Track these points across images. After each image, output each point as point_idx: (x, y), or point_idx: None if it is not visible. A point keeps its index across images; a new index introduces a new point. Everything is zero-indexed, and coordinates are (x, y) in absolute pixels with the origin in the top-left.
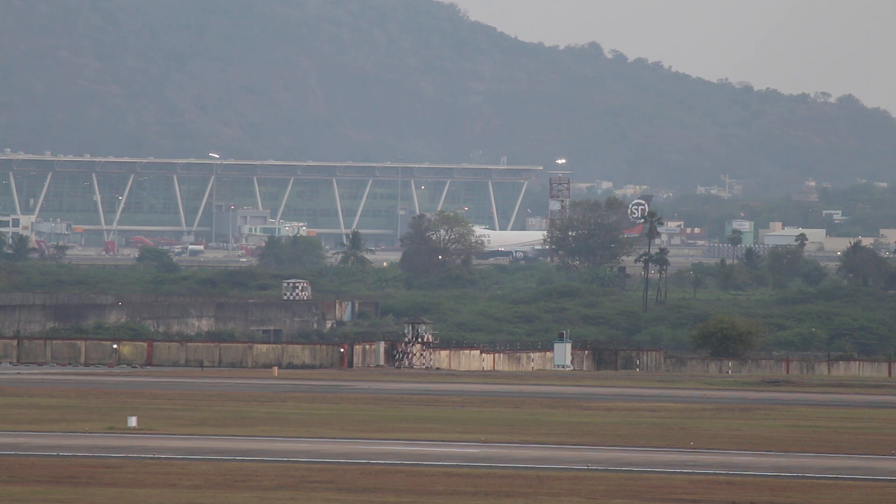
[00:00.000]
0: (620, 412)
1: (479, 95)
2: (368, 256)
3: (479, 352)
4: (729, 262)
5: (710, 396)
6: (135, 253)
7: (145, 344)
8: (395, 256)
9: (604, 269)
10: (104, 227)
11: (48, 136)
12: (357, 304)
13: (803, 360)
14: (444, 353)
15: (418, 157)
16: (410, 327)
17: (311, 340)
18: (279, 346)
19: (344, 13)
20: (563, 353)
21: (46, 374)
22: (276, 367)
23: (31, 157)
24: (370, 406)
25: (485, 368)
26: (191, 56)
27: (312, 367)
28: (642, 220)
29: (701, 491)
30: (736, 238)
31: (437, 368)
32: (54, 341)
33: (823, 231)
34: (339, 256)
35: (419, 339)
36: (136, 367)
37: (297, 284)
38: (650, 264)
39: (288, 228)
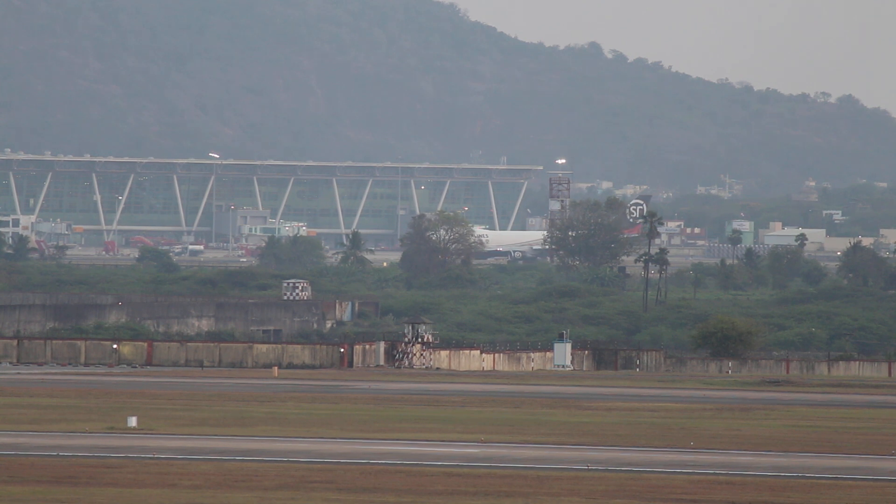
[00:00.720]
0: (620, 412)
1: (479, 95)
2: (368, 256)
3: (479, 352)
4: (729, 262)
5: (710, 396)
6: (135, 253)
7: (145, 344)
8: (395, 256)
9: (604, 269)
10: (104, 227)
11: (48, 136)
12: (357, 304)
13: (803, 360)
14: (444, 353)
15: (418, 157)
16: (410, 327)
17: (311, 340)
18: (279, 346)
19: (344, 13)
20: (563, 353)
21: (46, 374)
22: (276, 367)
23: (31, 157)
24: (370, 406)
25: (485, 368)
26: (191, 56)
27: (312, 367)
28: (641, 220)
29: (701, 491)
30: (736, 238)
31: (437, 368)
32: (54, 341)
33: (823, 231)
34: (339, 256)
35: (419, 339)
36: (136, 367)
37: (297, 284)
38: (650, 264)
39: (288, 228)
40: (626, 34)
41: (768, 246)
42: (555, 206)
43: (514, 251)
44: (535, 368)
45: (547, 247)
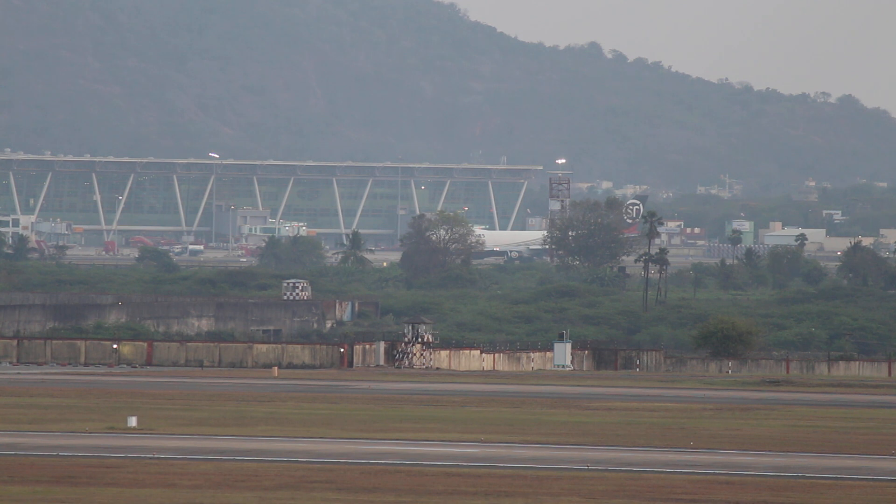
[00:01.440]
0: (620, 412)
1: (478, 95)
2: (368, 256)
3: (479, 352)
4: (729, 262)
5: (710, 396)
6: (135, 253)
7: (145, 344)
8: (395, 256)
9: (604, 269)
10: (104, 227)
11: (48, 136)
12: (357, 304)
13: (803, 360)
14: (444, 353)
15: (418, 156)
16: (410, 327)
17: (311, 340)
18: (279, 346)
19: (344, 13)
20: (563, 353)
21: (46, 373)
22: (276, 367)
23: (31, 157)
24: (370, 406)
25: (485, 368)
26: (191, 56)
27: (312, 367)
28: (637, 220)
29: (701, 491)
30: (736, 238)
31: (437, 368)
32: (54, 341)
33: (823, 231)
34: (339, 256)
35: (419, 339)
36: (136, 367)
37: (297, 284)
38: (650, 264)
39: (288, 228)
40: (626, 34)
41: (768, 246)
42: (555, 206)
43: (511, 251)
44: (535, 368)
45: (544, 247)
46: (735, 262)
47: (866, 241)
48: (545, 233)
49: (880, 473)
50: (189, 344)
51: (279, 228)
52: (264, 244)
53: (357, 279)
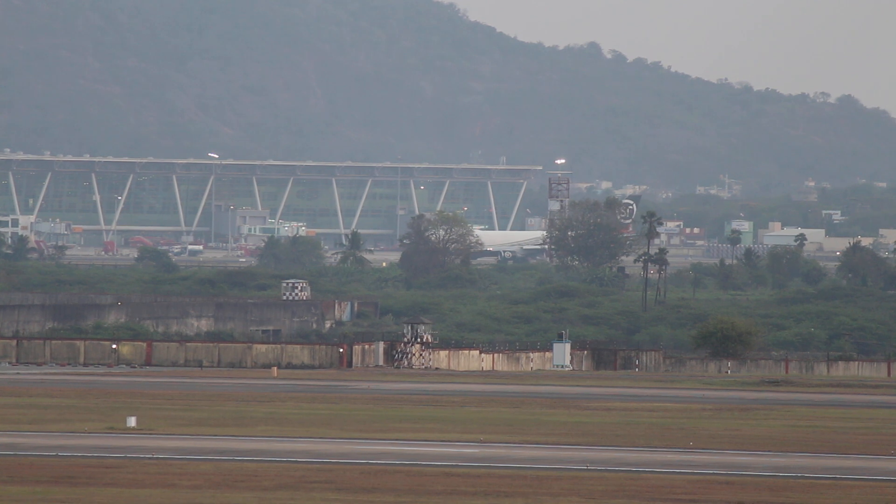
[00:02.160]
0: (619, 412)
1: (478, 95)
2: (368, 256)
3: (478, 352)
4: (728, 262)
5: (709, 396)
6: (134, 253)
7: (144, 344)
8: (395, 256)
9: (603, 269)
10: (103, 227)
11: (47, 136)
12: (356, 305)
13: (802, 360)
14: (443, 353)
15: (418, 157)
16: (410, 327)
17: (311, 340)
18: (278, 346)
19: (344, 13)
20: (562, 354)
21: (46, 374)
22: (275, 368)
23: (30, 157)
24: (369, 406)
25: (484, 368)
26: (190, 56)
27: (312, 367)
28: (631, 220)
29: (700, 491)
30: (735, 238)
31: (437, 368)
32: (53, 341)
33: (823, 231)
34: (339, 256)
35: (418, 340)
36: (135, 367)
37: (296, 284)
38: (649, 264)
39: (287, 228)
40: (625, 34)
41: (767, 246)
42: (554, 206)
43: (504, 251)
44: (534, 368)
45: (537, 246)
46: (734, 262)
47: (866, 242)
48: (538, 233)
49: (879, 473)
50: (188, 344)
51: (278, 228)
52: (264, 244)
53: (356, 279)
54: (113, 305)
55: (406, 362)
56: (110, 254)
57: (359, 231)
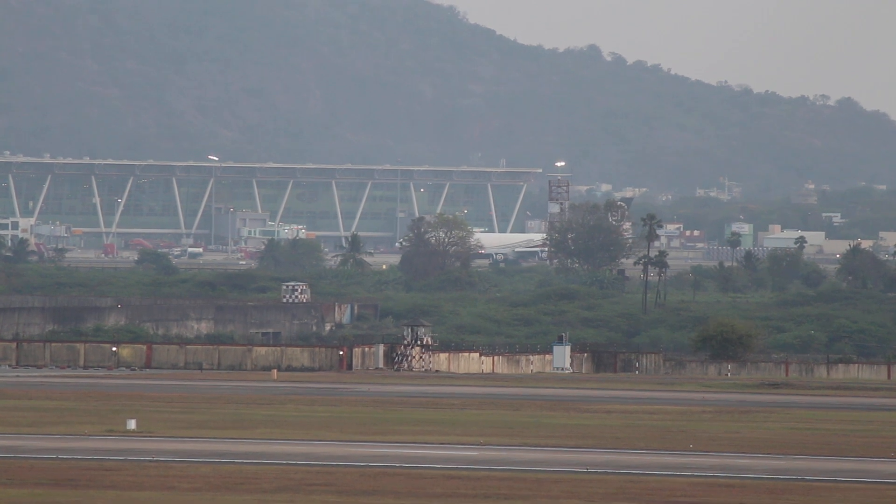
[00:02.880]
0: (620, 415)
1: (478, 98)
2: (368, 259)
3: (478, 354)
4: (728, 264)
5: (709, 399)
6: (134, 255)
7: (144, 346)
8: (395, 259)
9: (603, 272)
10: (103, 230)
11: (47, 139)
12: (356, 307)
13: (803, 363)
14: (443, 355)
15: (417, 159)
16: (410, 330)
17: (311, 343)
18: (278, 348)
19: (343, 15)
20: (562, 356)
21: (45, 376)
22: (275, 370)
23: (30, 159)
24: (369, 409)
25: (484, 371)
26: (190, 58)
27: (312, 369)
28: (622, 222)
29: (700, 493)
30: (735, 240)
31: (437, 371)
32: (53, 344)
33: (823, 234)
34: (339, 259)
35: (418, 342)
36: (135, 370)
37: (296, 287)
38: (649, 267)
39: (287, 231)
40: (625, 36)
41: (767, 248)
42: (554, 208)
43: (496, 254)
44: (534, 371)
45: (528, 249)
46: (734, 264)
47: (865, 244)
48: (538, 235)
49: (880, 476)
50: (188, 346)
51: (278, 231)
52: (263, 247)
53: (356, 282)
54: (113, 308)
55: (406, 365)
56: (110, 256)
57: (359, 233)
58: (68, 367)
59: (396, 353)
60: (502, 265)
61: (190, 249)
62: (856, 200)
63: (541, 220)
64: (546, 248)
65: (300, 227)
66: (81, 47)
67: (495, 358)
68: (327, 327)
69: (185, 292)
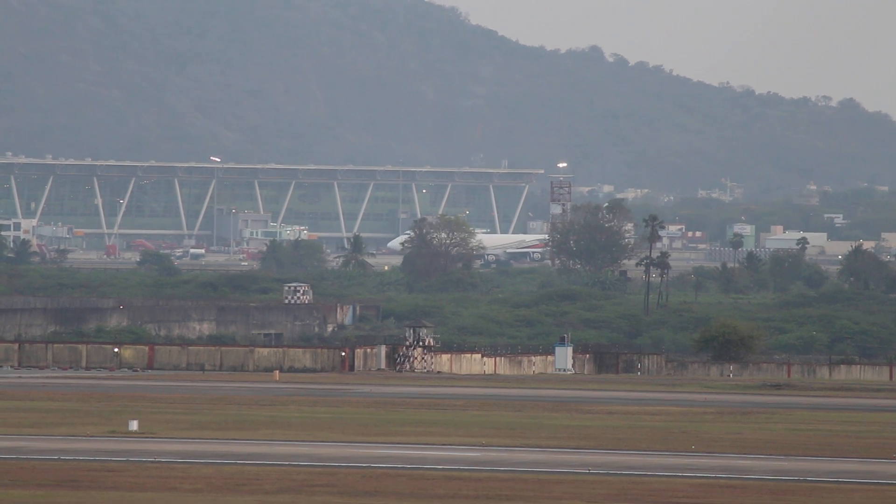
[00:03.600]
0: (621, 416)
1: (479, 99)
2: (369, 260)
3: (480, 355)
4: (730, 265)
5: (711, 400)
6: (136, 256)
7: (146, 347)
8: (396, 260)
9: (605, 273)
10: (105, 231)
11: (49, 140)
12: (358, 308)
13: (804, 364)
14: (445, 356)
15: (419, 160)
16: (412, 331)
17: (313, 344)
18: (280, 349)
19: (344, 16)
20: (564, 357)
21: (48, 377)
22: (277, 371)
23: (32, 160)
24: (371, 409)
25: (486, 372)
26: (191, 59)
27: (314, 370)
28: (613, 223)
29: (702, 494)
30: (737, 242)
31: (439, 372)
32: (55, 345)
33: (825, 235)
34: (341, 260)
35: (420, 343)
36: (137, 371)
37: (298, 288)
38: (651, 268)
39: (289, 232)
40: (627, 38)
41: (769, 249)
42: (556, 209)
43: (487, 255)
44: (536, 372)
45: (519, 250)
46: (736, 265)
47: (867, 245)
48: (522, 236)
49: (882, 477)
50: (190, 348)
51: (280, 232)
52: (265, 248)
53: (358, 283)
54: (115, 309)
55: (408, 366)
56: (112, 257)
57: (360, 234)
58: (70, 368)
59: (398, 355)
60: (493, 266)
61: (192, 250)
62: (858, 201)
63: (543, 221)
64: (537, 250)
65: (302, 228)
66: (83, 48)
67: (497, 359)
68: (329, 328)
69: (187, 293)
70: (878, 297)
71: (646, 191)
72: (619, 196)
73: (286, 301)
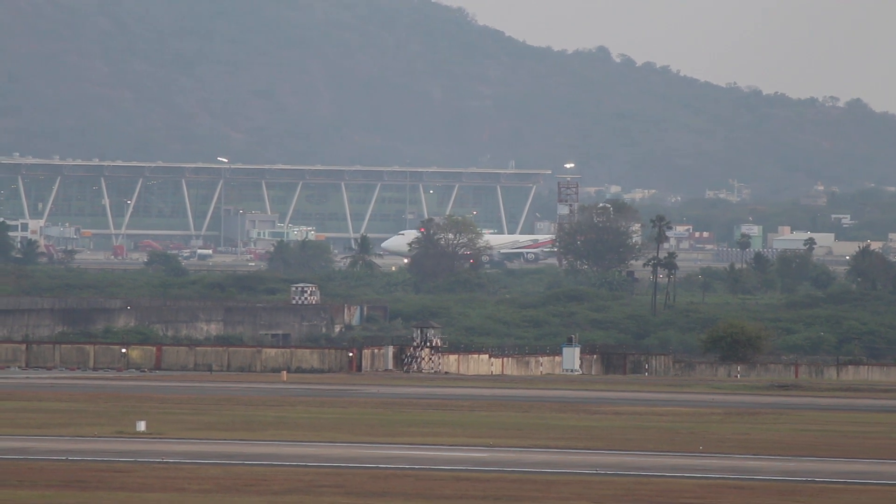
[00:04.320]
0: (629, 416)
1: (486, 99)
2: (377, 260)
3: (487, 356)
4: (738, 266)
5: (718, 401)
6: (143, 257)
7: (154, 348)
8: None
9: (612, 273)
10: (113, 232)
11: (56, 141)
12: (365, 308)
13: (812, 364)
14: (452, 357)
15: (426, 161)
16: (419, 331)
17: (320, 344)
18: (288, 350)
19: (352, 17)
20: (571, 358)
21: (55, 378)
22: (284, 372)
23: (39, 161)
24: (379, 410)
25: (493, 372)
26: (199, 60)
27: (321, 371)
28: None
29: (709, 495)
30: (745, 242)
31: (446, 372)
32: (63, 345)
33: (832, 235)
34: (348, 260)
35: (428, 343)
36: (144, 372)
37: (305, 288)
38: (659, 268)
39: (296, 232)
40: (634, 38)
41: (777, 250)
42: (563, 210)
43: (482, 255)
44: (543, 372)
45: (513, 250)
46: (744, 266)
47: (875, 245)
48: (516, 237)
49: (889, 478)
50: (198, 348)
51: (288, 233)
52: (273, 248)
53: (365, 283)
54: (122, 309)
55: (415, 366)
56: (120, 258)
57: (368, 235)
58: (78, 368)
59: (406, 355)
60: (487, 267)
61: (199, 251)
62: (865, 202)
63: (550, 221)
64: (531, 250)
65: (309, 228)
66: (90, 49)
67: (505, 359)
68: (337, 329)
69: (194, 294)
70: (886, 298)
71: (653, 191)
72: (626, 197)
73: (293, 302)
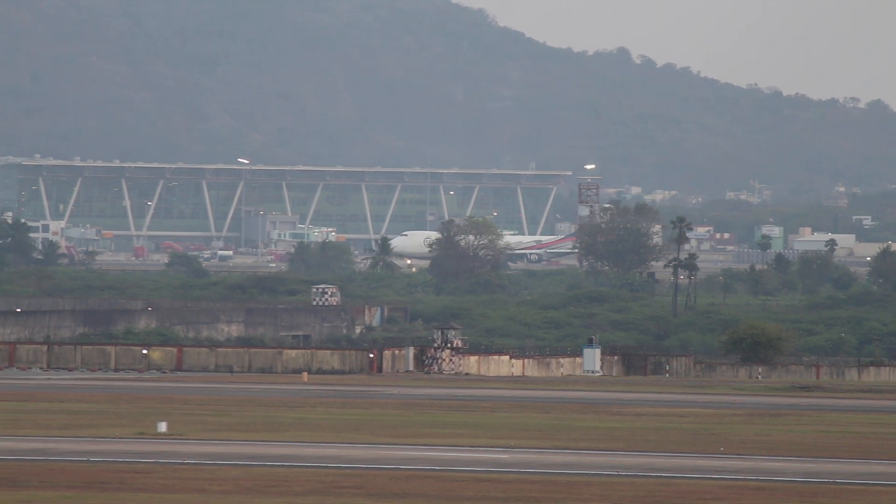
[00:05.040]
0: (650, 417)
1: (507, 101)
2: (397, 262)
3: (508, 357)
4: (758, 267)
5: (739, 402)
6: (164, 258)
7: (175, 349)
8: (424, 262)
9: (633, 275)
10: (134, 233)
11: (78, 142)
12: (386, 310)
13: (833, 366)
14: (473, 358)
15: (447, 162)
16: (440, 332)
17: (341, 346)
18: (309, 351)
19: (373, 19)
20: (592, 359)
21: (76, 379)
22: (305, 373)
23: (60, 162)
24: (400, 411)
25: (514, 374)
26: (221, 61)
27: (342, 372)
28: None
29: (731, 497)
30: (765, 243)
31: (467, 374)
32: (84, 346)
33: (853, 236)
34: (368, 262)
35: (448, 345)
36: (165, 373)
37: (326, 290)
38: (679, 269)
39: (317, 234)
40: (654, 39)
41: (798, 251)
42: (584, 211)
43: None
44: (564, 374)
45: (523, 252)
46: (765, 267)
47: None
48: (520, 237)
49: None
50: (219, 349)
51: (308, 234)
52: (293, 250)
53: (386, 284)
54: (143, 311)
55: (436, 367)
56: (141, 259)
57: (388, 236)
58: (99, 369)
59: (426, 356)
60: (508, 269)
61: (220, 252)
62: (886, 203)
63: (570, 223)
64: (535, 251)
65: (330, 229)
66: (112, 51)
67: (525, 361)
68: (357, 330)
69: (215, 295)
70: None
71: (674, 192)
72: (646, 198)
73: (314, 303)
